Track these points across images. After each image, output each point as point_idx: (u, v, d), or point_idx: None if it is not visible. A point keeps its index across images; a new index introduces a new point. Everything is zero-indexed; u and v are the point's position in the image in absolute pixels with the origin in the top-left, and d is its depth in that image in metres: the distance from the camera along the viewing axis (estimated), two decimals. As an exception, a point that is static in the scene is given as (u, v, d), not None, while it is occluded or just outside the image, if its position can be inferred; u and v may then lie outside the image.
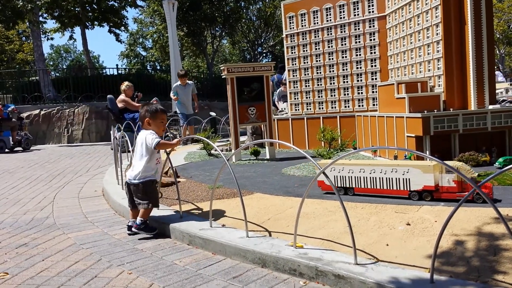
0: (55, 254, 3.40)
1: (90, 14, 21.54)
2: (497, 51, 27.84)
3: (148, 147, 3.69)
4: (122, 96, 11.00)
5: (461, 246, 2.74)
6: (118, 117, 10.73)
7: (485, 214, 3.25)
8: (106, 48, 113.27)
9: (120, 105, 10.95)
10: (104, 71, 28.20)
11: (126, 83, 10.99)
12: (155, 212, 3.96)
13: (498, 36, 26.06)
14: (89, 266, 3.09)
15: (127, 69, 28.33)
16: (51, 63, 54.50)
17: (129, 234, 3.80)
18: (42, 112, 15.60)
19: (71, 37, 23.67)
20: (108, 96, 11.32)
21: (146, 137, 3.71)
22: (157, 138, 3.69)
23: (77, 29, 23.00)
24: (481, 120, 5.50)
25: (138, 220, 3.69)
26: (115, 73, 19.06)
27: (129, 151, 9.18)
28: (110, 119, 15.43)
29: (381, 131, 6.50)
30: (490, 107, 5.67)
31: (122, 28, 23.48)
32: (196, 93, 11.57)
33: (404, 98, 5.82)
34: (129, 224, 3.84)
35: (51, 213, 4.80)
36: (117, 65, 26.28)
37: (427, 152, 5.43)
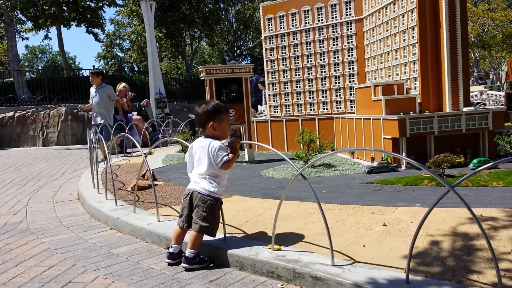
0: (29, 259, 3.31)
1: (67, 14, 21.18)
2: (472, 55, 28.45)
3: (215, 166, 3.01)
4: None
5: (437, 246, 2.77)
6: None
7: (460, 214, 3.30)
8: (83, 49, 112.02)
9: None
10: (81, 72, 27.77)
11: (123, 84, 10.93)
12: (132, 214, 3.91)
13: (473, 39, 26.61)
14: (63, 271, 3.02)
15: (104, 71, 27.95)
16: (26, 64, 53.41)
17: (170, 264, 3.00)
18: (17, 114, 15.24)
19: (46, 37, 23.10)
20: None
21: (218, 153, 2.99)
22: (226, 156, 2.98)
23: (53, 30, 22.62)
24: (456, 122, 5.60)
25: (189, 252, 2.91)
26: (92, 74, 18.72)
27: (127, 153, 9.15)
28: (86, 122, 15.22)
29: (358, 133, 6.56)
30: (465, 109, 5.78)
31: (100, 28, 23.18)
32: (116, 99, 9.14)
33: (381, 100, 5.88)
34: (171, 250, 3.02)
35: (25, 218, 4.69)
36: (93, 66, 25.82)
37: (403, 153, 5.50)
